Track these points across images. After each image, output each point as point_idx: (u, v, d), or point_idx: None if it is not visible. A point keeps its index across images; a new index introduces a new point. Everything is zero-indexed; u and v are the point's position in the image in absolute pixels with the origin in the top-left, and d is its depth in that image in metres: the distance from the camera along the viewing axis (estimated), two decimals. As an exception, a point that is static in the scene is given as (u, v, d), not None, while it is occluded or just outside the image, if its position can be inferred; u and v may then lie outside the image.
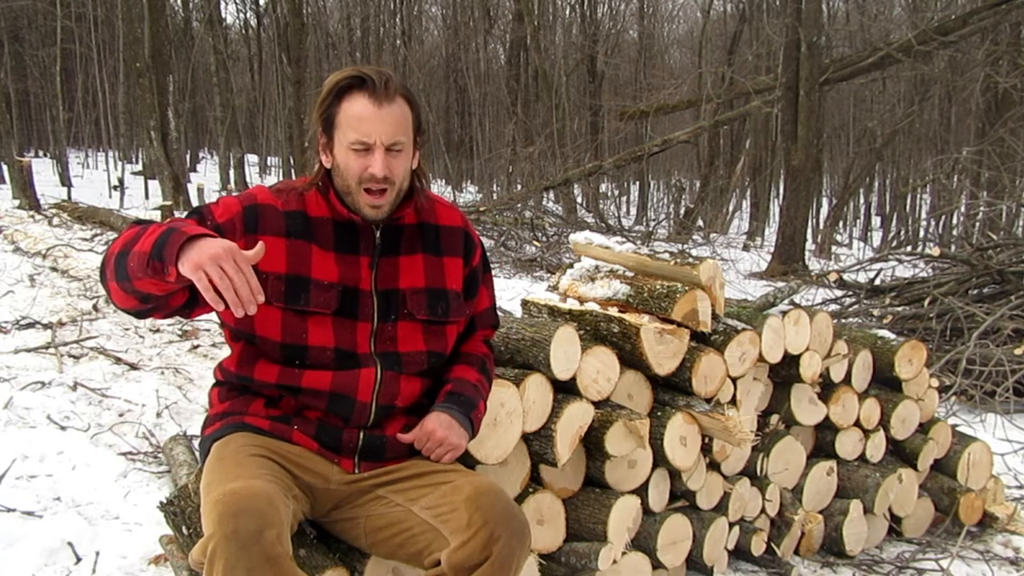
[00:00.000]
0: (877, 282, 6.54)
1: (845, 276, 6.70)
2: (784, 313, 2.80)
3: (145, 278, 1.49)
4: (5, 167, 15.95)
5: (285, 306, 1.71)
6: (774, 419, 2.90)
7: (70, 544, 2.50)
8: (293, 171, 21.43)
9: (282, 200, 1.76)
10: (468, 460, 2.05)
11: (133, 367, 4.36)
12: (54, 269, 7.32)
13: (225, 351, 1.98)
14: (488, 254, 2.13)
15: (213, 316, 5.91)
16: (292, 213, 1.74)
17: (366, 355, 1.76)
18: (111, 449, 3.28)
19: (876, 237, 20.34)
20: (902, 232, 19.27)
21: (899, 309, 5.84)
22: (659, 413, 2.48)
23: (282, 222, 1.73)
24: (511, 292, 7.10)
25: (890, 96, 18.97)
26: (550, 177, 14.63)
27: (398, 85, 1.71)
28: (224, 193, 18.77)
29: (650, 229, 14.50)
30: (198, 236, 1.45)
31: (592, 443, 2.34)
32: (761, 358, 2.70)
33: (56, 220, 11.36)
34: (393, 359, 1.78)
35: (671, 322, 2.51)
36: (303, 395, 1.74)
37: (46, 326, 4.98)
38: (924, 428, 3.19)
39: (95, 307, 5.68)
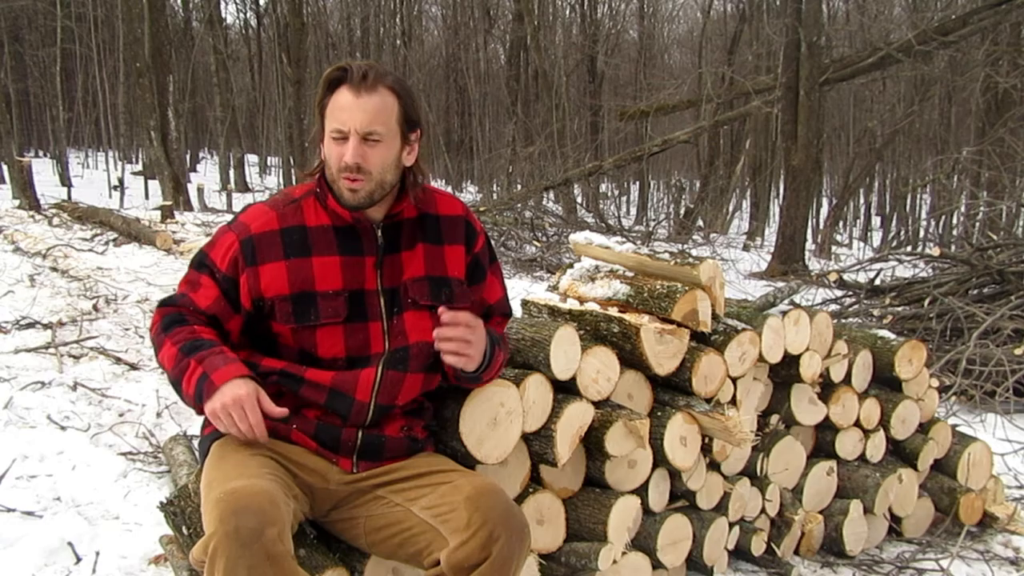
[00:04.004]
0: (877, 282, 6.54)
1: (845, 276, 6.70)
2: (784, 313, 2.80)
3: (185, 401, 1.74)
4: (5, 167, 15.95)
5: (297, 325, 1.74)
6: (774, 419, 2.90)
7: (70, 544, 2.50)
8: (293, 171, 21.43)
9: (278, 214, 1.77)
10: (468, 460, 2.05)
11: (133, 367, 4.35)
12: (54, 269, 7.33)
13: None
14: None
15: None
16: (289, 229, 1.76)
17: (377, 355, 1.77)
18: (111, 449, 3.28)
19: (876, 237, 20.34)
20: (902, 232, 19.28)
21: (899, 309, 5.83)
22: (659, 413, 2.48)
23: (279, 246, 1.75)
24: (511, 292, 7.08)
25: (890, 96, 18.98)
26: (550, 177, 14.63)
27: (383, 77, 1.71)
28: (224, 193, 18.79)
29: (650, 229, 14.48)
30: (226, 379, 1.65)
31: (592, 443, 2.34)
32: (761, 358, 2.70)
33: (56, 220, 11.37)
34: (401, 356, 1.79)
35: (671, 322, 2.51)
36: (304, 387, 1.75)
37: (46, 326, 4.98)
38: (924, 428, 3.19)
39: (95, 307, 5.68)
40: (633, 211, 21.82)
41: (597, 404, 2.35)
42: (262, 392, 1.67)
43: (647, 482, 2.47)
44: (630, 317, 2.48)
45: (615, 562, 2.30)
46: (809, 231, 13.15)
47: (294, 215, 1.78)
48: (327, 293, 1.74)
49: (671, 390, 2.57)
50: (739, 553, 2.77)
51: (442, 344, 1.73)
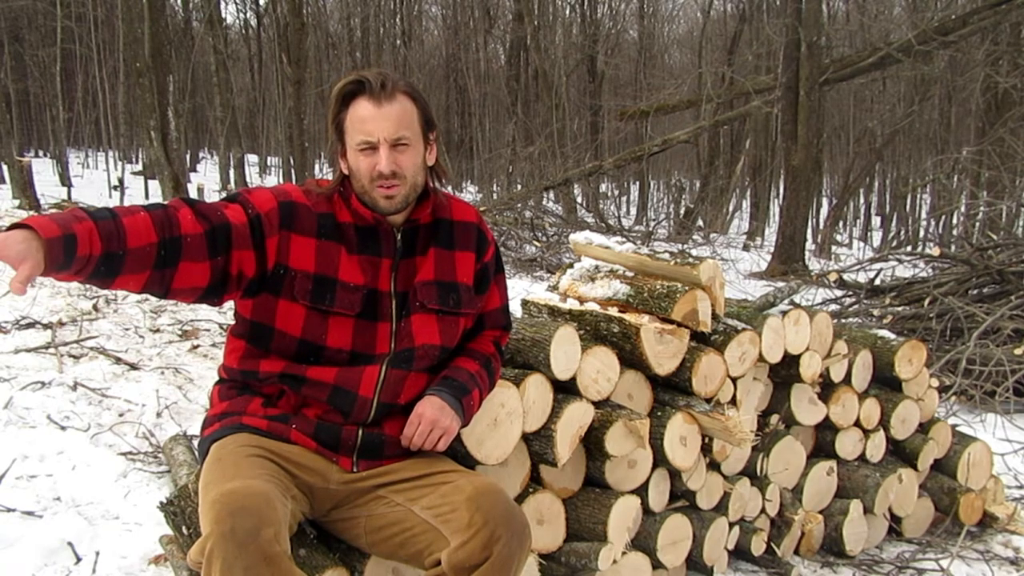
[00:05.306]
0: (877, 282, 6.54)
1: (845, 276, 6.70)
2: (784, 313, 2.80)
3: None
4: (5, 167, 15.93)
5: (310, 304, 1.73)
6: (774, 419, 2.90)
7: (70, 544, 2.50)
8: (293, 171, 21.43)
9: (312, 201, 1.79)
10: (468, 460, 2.05)
11: (133, 367, 4.35)
12: (54, 269, 7.30)
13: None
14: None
15: (214, 315, 5.84)
16: (323, 215, 1.78)
17: (382, 355, 1.78)
18: (111, 449, 3.28)
19: (876, 237, 20.35)
20: (902, 232, 19.29)
21: (899, 309, 5.84)
22: (659, 413, 2.48)
23: (315, 222, 1.76)
24: (511, 292, 7.07)
25: (890, 96, 18.99)
26: (550, 177, 14.62)
27: (398, 83, 1.74)
28: (224, 193, 18.82)
29: (650, 229, 14.48)
30: (22, 226, 1.41)
31: (592, 443, 2.34)
32: (761, 358, 2.70)
33: (56, 220, 11.34)
34: (406, 356, 1.80)
35: (671, 322, 2.51)
36: (306, 386, 1.75)
37: (46, 326, 4.97)
38: (924, 428, 3.19)
39: (95, 307, 5.68)
40: (633, 211, 21.82)
41: (597, 404, 2.35)
42: (29, 263, 1.39)
43: (647, 482, 2.48)
44: (630, 317, 2.48)
45: (615, 562, 2.30)
46: (809, 231, 13.17)
47: (326, 204, 1.80)
48: (347, 284, 1.75)
49: (671, 390, 2.57)
50: (739, 553, 2.77)
51: (415, 446, 1.78)
